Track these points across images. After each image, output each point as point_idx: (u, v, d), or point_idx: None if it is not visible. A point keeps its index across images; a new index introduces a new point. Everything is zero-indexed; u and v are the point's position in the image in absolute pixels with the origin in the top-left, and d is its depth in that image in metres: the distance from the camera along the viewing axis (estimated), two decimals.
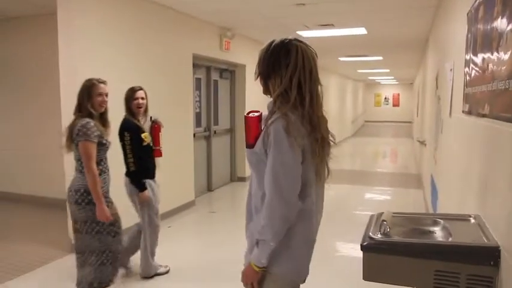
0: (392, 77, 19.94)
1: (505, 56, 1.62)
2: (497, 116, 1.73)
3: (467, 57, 2.56)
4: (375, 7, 5.71)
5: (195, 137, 6.48)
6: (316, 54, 1.73)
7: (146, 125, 3.75)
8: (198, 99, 6.79)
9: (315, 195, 1.73)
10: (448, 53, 3.73)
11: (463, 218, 1.98)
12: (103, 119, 3.02)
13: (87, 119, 2.86)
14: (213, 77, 7.19)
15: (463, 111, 2.66)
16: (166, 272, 3.94)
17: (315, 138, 1.67)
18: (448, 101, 3.54)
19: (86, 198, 2.86)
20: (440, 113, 4.48)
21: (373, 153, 14.92)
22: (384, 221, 1.75)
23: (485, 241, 1.65)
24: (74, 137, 2.83)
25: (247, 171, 8.22)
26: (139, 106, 3.63)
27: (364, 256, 1.71)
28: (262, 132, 1.67)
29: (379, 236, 1.74)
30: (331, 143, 1.79)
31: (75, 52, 4.23)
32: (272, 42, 1.73)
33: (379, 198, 7.47)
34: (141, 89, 3.69)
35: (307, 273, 1.81)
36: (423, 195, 6.90)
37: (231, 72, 7.84)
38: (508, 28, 1.62)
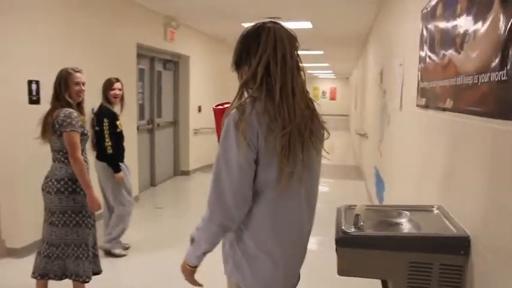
0: (331, 71, 20.47)
1: (473, 53, 1.67)
2: (463, 109, 1.78)
3: (423, 53, 2.63)
4: (323, 1, 5.77)
5: (138, 130, 6.24)
6: (295, 37, 1.56)
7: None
8: (141, 90, 6.54)
9: (271, 206, 1.50)
10: (397, 49, 3.85)
11: (427, 209, 2.03)
12: (80, 108, 2.97)
13: (70, 109, 2.81)
14: (156, 68, 6.95)
15: (417, 105, 2.75)
16: (122, 256, 4.12)
17: (280, 134, 1.43)
18: (397, 95, 3.65)
19: (70, 187, 2.82)
20: (387, 106, 4.64)
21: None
22: (357, 214, 1.75)
23: (454, 231, 1.69)
24: (57, 127, 2.76)
25: (192, 164, 8.09)
26: (115, 96, 4.01)
27: (338, 251, 1.69)
28: None
29: (352, 230, 1.74)
30: (321, 139, 1.60)
31: (9, 38, 3.88)
32: (245, 28, 1.58)
33: (321, 190, 7.61)
34: (118, 80, 4.05)
35: None
36: (365, 186, 7.15)
37: (174, 63, 7.63)
38: (475, 26, 1.67)
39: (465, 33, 1.78)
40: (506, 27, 1.36)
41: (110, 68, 4.96)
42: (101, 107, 4.02)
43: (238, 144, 1.42)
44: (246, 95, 1.51)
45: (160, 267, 3.91)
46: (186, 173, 8.00)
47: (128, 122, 5.77)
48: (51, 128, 2.78)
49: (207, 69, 8.67)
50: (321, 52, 11.16)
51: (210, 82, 8.82)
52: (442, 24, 2.19)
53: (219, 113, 1.63)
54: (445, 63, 2.08)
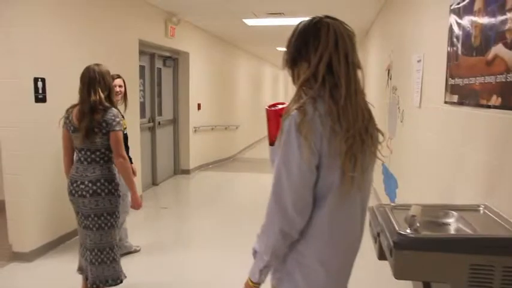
0: None
1: None
2: None
3: (453, 49, 2.59)
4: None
5: (140, 129, 6.12)
6: (354, 33, 1.46)
7: None
8: (141, 88, 6.41)
9: (336, 211, 1.42)
10: (414, 45, 3.80)
11: (473, 209, 1.99)
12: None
13: (115, 110, 2.85)
14: (156, 64, 6.82)
15: (446, 102, 2.70)
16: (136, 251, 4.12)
17: (344, 138, 1.35)
18: (415, 92, 3.61)
19: (106, 188, 2.79)
20: (399, 103, 4.61)
21: None
22: (413, 215, 1.69)
23: None
24: (104, 126, 2.75)
25: (192, 163, 7.99)
26: (116, 93, 3.62)
27: (396, 254, 1.63)
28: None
29: (408, 231, 1.68)
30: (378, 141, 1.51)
31: (14, 35, 3.74)
32: (300, 23, 1.50)
33: None
34: (119, 77, 3.81)
35: None
36: None
37: (174, 60, 7.50)
38: None
39: None
40: None
41: (114, 65, 4.82)
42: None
43: (300, 148, 1.34)
44: (303, 94, 1.41)
45: (170, 269, 3.85)
46: (187, 171, 7.90)
47: (132, 121, 5.67)
48: (97, 128, 2.74)
49: (207, 66, 8.56)
50: None
51: (209, 79, 8.72)
52: (483, 20, 2.14)
53: (274, 115, 1.53)
54: (489, 60, 2.03)
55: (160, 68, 7.03)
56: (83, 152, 2.80)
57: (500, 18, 1.94)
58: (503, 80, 1.88)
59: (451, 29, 2.66)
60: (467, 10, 2.36)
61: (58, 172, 4.15)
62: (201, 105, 8.18)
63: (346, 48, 1.40)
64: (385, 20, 5.89)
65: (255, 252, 1.49)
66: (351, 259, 1.56)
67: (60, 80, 4.11)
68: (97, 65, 2.89)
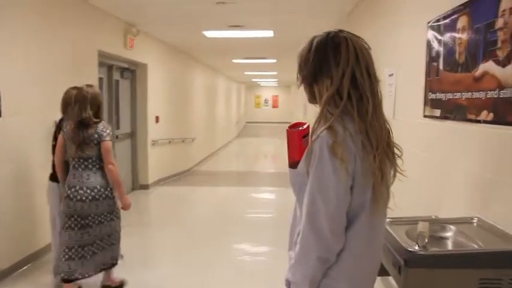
0: (276, 80, 20.71)
1: None
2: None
3: (433, 64, 2.66)
4: (286, 10, 5.75)
5: None
6: (369, 46, 1.44)
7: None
8: None
9: (367, 230, 1.38)
10: (385, 59, 3.89)
11: (466, 221, 2.03)
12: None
13: (105, 122, 3.29)
14: (114, 76, 6.57)
15: (426, 116, 2.77)
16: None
17: (374, 156, 1.32)
18: (387, 105, 3.69)
19: (104, 194, 3.18)
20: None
21: (258, 153, 15.30)
22: (422, 232, 1.69)
23: None
24: (96, 137, 3.14)
25: (150, 177, 7.73)
26: None
27: (407, 272, 1.62)
28: (306, 150, 1.38)
29: (418, 249, 1.68)
30: (397, 157, 1.44)
31: None
32: (313, 38, 1.44)
33: (276, 199, 7.59)
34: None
35: None
36: None
37: (132, 71, 7.25)
38: None
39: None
40: None
41: (73, 77, 4.60)
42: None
43: (335, 171, 1.28)
44: (329, 113, 1.35)
45: None
46: (145, 186, 7.62)
47: None
48: (89, 140, 3.14)
49: (165, 78, 8.38)
50: (274, 61, 11.23)
51: (167, 91, 8.54)
52: (468, 37, 2.21)
53: (297, 136, 1.46)
54: (478, 76, 2.10)
55: (118, 80, 6.78)
56: (76, 160, 3.17)
57: (489, 36, 2.01)
58: (495, 96, 1.94)
59: (429, 45, 2.74)
60: (449, 27, 2.44)
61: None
62: (159, 118, 7.97)
63: (367, 61, 1.37)
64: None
65: (288, 284, 1.41)
66: (374, 277, 1.51)
67: (17, 94, 3.84)
68: (89, 86, 3.30)
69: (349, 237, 1.36)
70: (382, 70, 3.90)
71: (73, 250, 3.16)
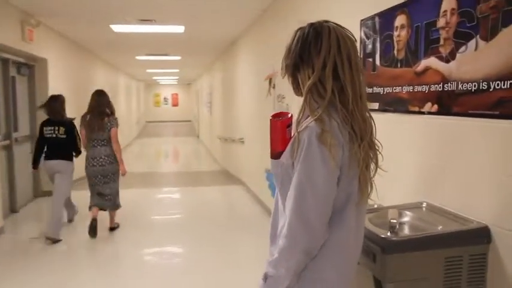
0: (177, 77, 20.32)
1: (478, 62, 1.86)
2: (461, 113, 1.97)
3: (368, 60, 2.81)
4: (197, 5, 5.67)
5: None
6: (354, 37, 1.44)
7: None
8: None
9: (354, 220, 1.39)
10: None
11: (416, 206, 2.18)
12: None
13: (115, 116, 5.07)
14: (10, 72, 5.90)
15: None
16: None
17: (359, 146, 1.34)
18: None
19: (113, 159, 4.96)
20: (288, 110, 4.81)
21: (160, 153, 14.91)
22: (392, 219, 1.77)
23: (472, 224, 1.85)
24: (109, 125, 4.88)
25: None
26: None
27: (384, 259, 1.69)
28: (291, 140, 1.38)
29: (390, 235, 1.76)
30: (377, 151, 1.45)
31: None
32: (298, 29, 1.45)
33: (205, 199, 7.52)
34: None
35: None
36: (248, 191, 7.29)
37: (30, 67, 6.58)
38: (476, 40, 1.86)
39: (458, 44, 1.97)
40: None
41: None
42: (72, 119, 4.98)
43: (324, 161, 1.29)
44: (314, 102, 1.35)
45: None
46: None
47: None
48: (105, 126, 4.86)
49: (67, 76, 7.76)
50: (179, 58, 11.00)
51: (70, 90, 7.90)
52: (408, 35, 2.37)
53: (281, 126, 1.43)
54: (419, 71, 2.26)
55: (14, 77, 6.10)
56: (96, 140, 4.88)
57: (430, 34, 2.18)
58: (440, 89, 2.11)
59: (363, 41, 2.89)
60: (386, 25, 2.59)
61: None
62: None
63: (348, 51, 1.38)
64: (263, 29, 6.10)
65: (265, 277, 1.38)
66: (356, 265, 1.53)
67: None
68: (103, 91, 5.23)
69: (336, 228, 1.37)
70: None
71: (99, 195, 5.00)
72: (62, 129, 4.81)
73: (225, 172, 9.62)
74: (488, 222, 1.81)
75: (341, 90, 1.35)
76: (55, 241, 4.67)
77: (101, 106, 4.87)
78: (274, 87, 5.50)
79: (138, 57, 10.99)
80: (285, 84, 4.98)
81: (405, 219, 2.06)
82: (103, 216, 5.10)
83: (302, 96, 1.41)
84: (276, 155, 1.45)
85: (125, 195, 6.47)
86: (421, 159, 2.30)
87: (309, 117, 1.34)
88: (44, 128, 4.85)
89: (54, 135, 4.81)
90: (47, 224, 4.88)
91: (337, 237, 1.38)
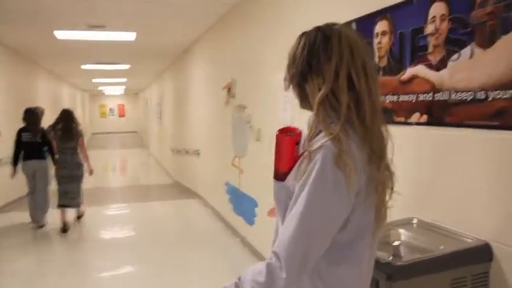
0: (124, 87, 19.61)
1: (475, 71, 1.76)
2: (454, 123, 1.87)
3: None
4: (150, 12, 5.41)
5: None
6: (366, 42, 1.31)
7: None
8: None
9: (368, 254, 1.23)
10: (273, 63, 3.88)
11: (407, 223, 2.05)
12: None
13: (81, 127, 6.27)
14: None
15: None
16: None
17: (377, 168, 1.17)
18: (283, 110, 3.68)
19: (81, 165, 6.04)
20: (250, 122, 4.65)
21: (107, 166, 14.14)
22: (395, 241, 1.63)
23: (469, 241, 1.75)
24: (78, 135, 6.01)
25: None
26: None
27: (392, 286, 1.53)
28: (300, 160, 1.19)
29: (393, 259, 1.61)
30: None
31: None
32: (302, 34, 1.27)
33: (161, 214, 7.16)
34: None
35: None
36: (205, 204, 7.01)
37: None
38: (471, 48, 1.77)
39: (450, 52, 1.88)
40: None
41: None
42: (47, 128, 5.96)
43: (337, 189, 1.10)
44: (326, 116, 1.16)
45: None
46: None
47: None
48: (75, 136, 5.91)
49: (5, 85, 7.16)
50: (128, 66, 10.56)
51: (9, 103, 7.32)
52: (391, 42, 2.26)
53: (289, 143, 1.25)
54: (405, 79, 2.16)
55: None
56: (66, 149, 5.84)
57: (417, 41, 2.08)
58: (430, 99, 2.01)
59: None
60: (364, 32, 2.47)
61: None
62: (1, 133, 6.77)
63: (363, 57, 1.20)
64: (220, 36, 5.91)
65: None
66: None
67: None
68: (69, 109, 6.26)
69: (347, 265, 1.19)
70: (275, 75, 3.88)
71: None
72: (38, 134, 5.83)
73: (178, 185, 9.27)
74: (487, 238, 1.71)
75: (357, 102, 1.17)
76: (41, 226, 5.95)
77: (68, 120, 5.89)
78: (234, 97, 5.31)
79: (84, 67, 10.43)
80: (246, 94, 4.87)
81: (401, 238, 1.93)
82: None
83: (310, 109, 1.24)
84: (280, 175, 1.25)
85: (70, 214, 6.08)
86: (411, 173, 2.18)
87: (322, 134, 1.16)
88: (22, 134, 5.85)
89: (32, 140, 5.81)
90: (34, 212, 5.97)
91: (349, 275, 1.20)
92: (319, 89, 1.18)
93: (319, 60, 1.19)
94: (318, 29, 1.25)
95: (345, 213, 1.13)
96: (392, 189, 1.25)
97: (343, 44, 1.18)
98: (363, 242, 1.20)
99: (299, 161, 1.20)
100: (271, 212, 1.58)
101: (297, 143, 1.26)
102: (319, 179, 1.10)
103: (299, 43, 1.26)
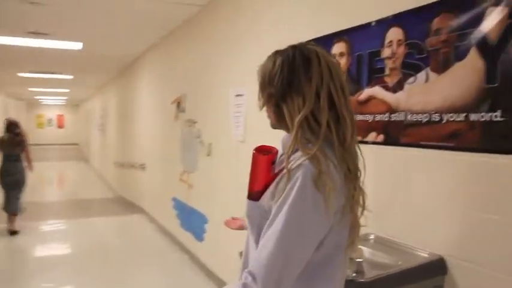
0: (66, 98, 18.77)
1: (430, 94, 1.85)
2: (412, 143, 1.95)
3: None
4: (98, 21, 5.26)
5: None
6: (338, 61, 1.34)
7: None
8: None
9: (342, 272, 1.24)
10: (227, 79, 3.88)
11: (364, 239, 2.10)
12: None
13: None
14: None
15: None
16: None
17: (354, 187, 1.18)
18: (235, 126, 3.67)
19: (24, 173, 6.34)
20: (200, 137, 4.60)
21: (43, 179, 13.41)
22: (357, 258, 1.65)
23: (426, 255, 1.81)
24: (23, 143, 6.31)
25: None
26: None
27: None
28: (277, 179, 1.18)
29: (355, 275, 1.63)
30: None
31: None
32: (277, 52, 1.25)
33: (70, 232, 6.81)
34: None
35: None
36: (151, 220, 6.82)
37: None
38: (426, 72, 1.87)
39: (407, 75, 1.96)
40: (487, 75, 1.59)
41: None
42: None
43: (316, 211, 1.10)
44: (304, 137, 1.16)
45: None
46: None
47: None
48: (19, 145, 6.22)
49: None
50: (71, 77, 10.15)
51: None
52: (349, 63, 2.33)
53: (266, 162, 1.23)
54: (362, 100, 2.23)
55: None
56: (11, 156, 6.16)
57: (374, 63, 2.16)
58: (386, 120, 2.08)
59: None
60: None
61: None
62: None
63: (340, 78, 1.23)
64: (170, 50, 5.83)
65: None
66: None
67: None
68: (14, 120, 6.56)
69: (322, 284, 1.19)
70: (226, 90, 3.88)
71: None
72: None
73: (121, 200, 8.95)
74: (442, 253, 1.79)
75: (337, 122, 1.18)
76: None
77: (15, 130, 6.24)
78: (183, 111, 5.24)
79: (20, 74, 9.88)
80: (196, 108, 4.83)
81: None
82: None
83: (285, 129, 1.24)
84: (254, 195, 1.23)
85: (2, 233, 5.71)
86: (368, 190, 2.22)
87: (299, 152, 1.15)
88: None
89: None
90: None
91: None
92: (299, 110, 1.17)
93: (300, 80, 1.19)
94: (294, 47, 1.25)
95: (323, 233, 1.13)
96: (363, 207, 1.26)
97: (322, 64, 1.20)
98: (337, 261, 1.20)
99: (277, 179, 1.18)
100: (229, 222, 1.54)
101: (273, 162, 1.26)
102: (299, 198, 1.10)
103: (274, 61, 1.25)
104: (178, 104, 5.42)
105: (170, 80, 5.83)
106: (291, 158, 1.16)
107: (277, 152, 1.27)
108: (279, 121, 1.26)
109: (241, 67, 3.64)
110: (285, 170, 1.13)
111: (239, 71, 3.67)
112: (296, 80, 1.19)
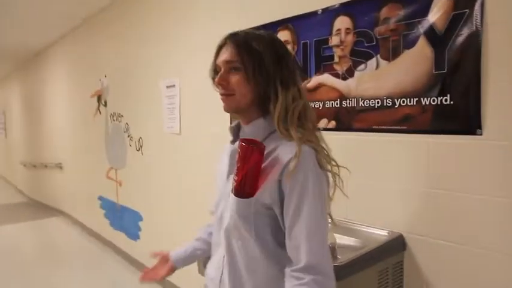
0: None
1: (380, 80, 1.94)
2: (365, 128, 2.03)
3: None
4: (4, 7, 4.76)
5: None
6: None
7: None
8: None
9: None
10: (159, 71, 3.73)
11: None
12: None
13: None
14: None
15: None
16: None
17: (331, 163, 1.25)
18: (169, 119, 3.55)
19: None
20: (128, 131, 4.40)
21: None
22: (333, 244, 1.69)
23: (386, 234, 1.92)
24: None
25: None
26: None
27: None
28: (279, 167, 1.15)
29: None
30: None
31: None
32: (259, 33, 1.24)
33: (4, 237, 6.26)
34: None
35: None
36: (72, 222, 6.41)
37: None
38: (377, 59, 1.95)
39: (356, 62, 2.03)
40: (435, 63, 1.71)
41: None
42: None
43: (327, 185, 1.22)
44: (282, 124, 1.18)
45: None
46: None
47: None
48: None
49: None
50: None
51: None
52: (295, 51, 2.35)
53: (256, 155, 1.17)
54: (312, 87, 2.27)
55: None
56: None
57: (322, 51, 2.20)
58: (337, 106, 2.14)
59: None
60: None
61: None
62: None
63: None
64: (86, 38, 5.44)
65: None
66: None
67: None
68: None
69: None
70: (155, 81, 3.74)
71: None
72: None
73: (35, 203, 8.27)
74: (400, 230, 1.91)
75: (305, 108, 1.23)
76: None
77: None
78: (105, 105, 4.95)
79: None
80: (122, 101, 4.61)
81: None
82: None
83: (246, 114, 1.25)
84: (244, 192, 1.18)
85: None
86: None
87: (275, 134, 1.21)
88: None
89: None
90: None
91: None
92: (295, 99, 1.20)
93: (295, 70, 1.24)
94: (271, 35, 1.27)
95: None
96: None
97: (288, 51, 1.28)
98: None
99: (278, 167, 1.16)
100: (147, 275, 1.40)
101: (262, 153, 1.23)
102: (316, 183, 1.14)
103: (279, 42, 1.26)
104: (100, 98, 5.12)
105: (88, 72, 5.46)
106: (288, 144, 1.17)
107: (262, 143, 1.24)
108: (253, 104, 1.22)
109: (173, 57, 3.51)
110: (281, 160, 1.16)
111: (170, 62, 3.54)
112: (295, 70, 1.25)
